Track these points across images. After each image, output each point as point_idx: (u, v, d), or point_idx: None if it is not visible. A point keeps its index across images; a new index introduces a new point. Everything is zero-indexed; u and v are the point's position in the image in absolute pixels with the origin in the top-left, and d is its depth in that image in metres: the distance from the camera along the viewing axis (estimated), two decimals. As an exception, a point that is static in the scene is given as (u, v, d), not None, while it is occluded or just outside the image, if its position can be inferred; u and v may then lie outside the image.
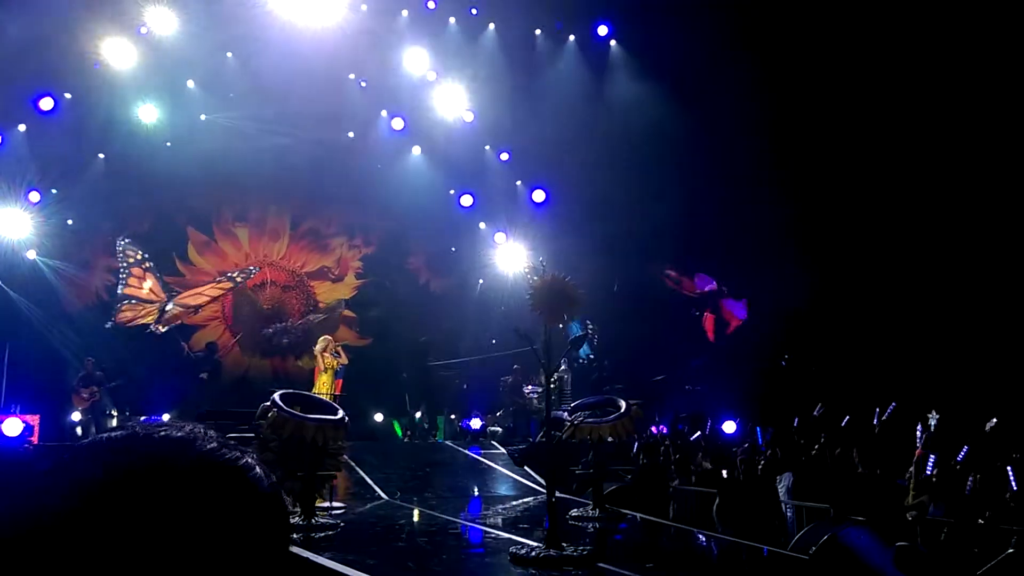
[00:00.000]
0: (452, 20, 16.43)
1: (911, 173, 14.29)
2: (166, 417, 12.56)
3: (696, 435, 11.86)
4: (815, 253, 14.76)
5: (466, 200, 17.42)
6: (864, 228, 14.79)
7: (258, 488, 0.81)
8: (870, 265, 14.61)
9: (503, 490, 10.44)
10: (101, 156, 15.51)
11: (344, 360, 12.87)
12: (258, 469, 0.82)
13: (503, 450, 11.76)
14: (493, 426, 14.48)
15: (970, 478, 7.76)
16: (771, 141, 14.80)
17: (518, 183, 17.63)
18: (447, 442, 13.29)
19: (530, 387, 13.38)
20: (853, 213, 14.81)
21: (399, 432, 14.99)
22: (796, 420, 11.39)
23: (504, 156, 17.38)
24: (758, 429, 11.28)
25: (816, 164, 14.86)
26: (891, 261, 14.40)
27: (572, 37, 17.20)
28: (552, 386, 8.01)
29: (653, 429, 14.54)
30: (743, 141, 14.95)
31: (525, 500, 9.49)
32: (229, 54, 15.37)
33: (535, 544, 5.78)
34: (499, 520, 8.71)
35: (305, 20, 14.67)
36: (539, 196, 17.41)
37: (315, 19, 14.69)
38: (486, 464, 11.34)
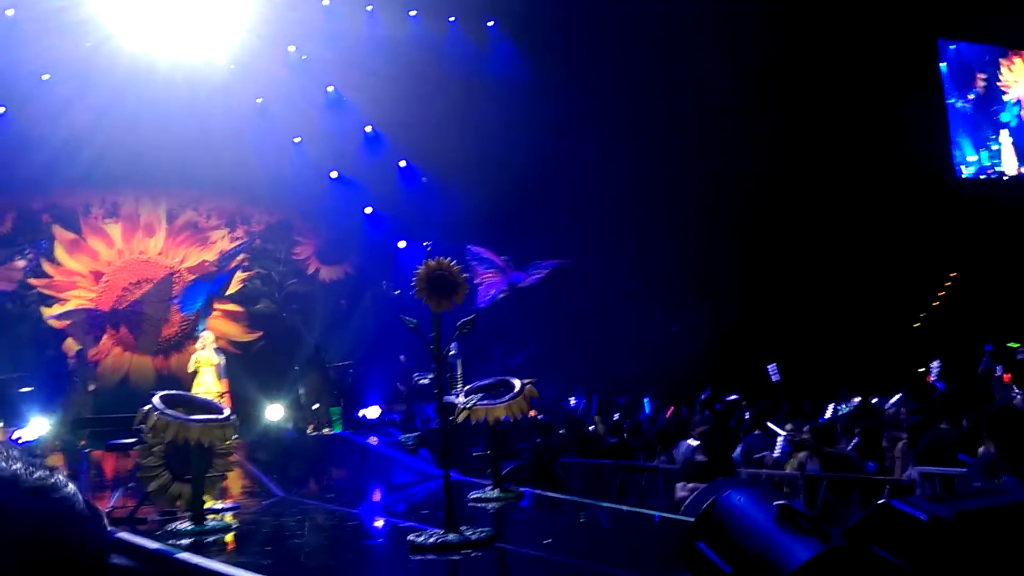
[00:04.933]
0: (325, 2, 16.02)
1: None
2: (39, 421, 11.83)
3: (576, 405, 12.05)
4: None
5: (349, 185, 17.08)
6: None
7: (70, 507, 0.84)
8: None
9: (403, 478, 10.36)
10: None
11: (222, 360, 12.45)
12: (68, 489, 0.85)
13: (401, 438, 11.69)
14: (392, 414, 14.34)
15: (857, 432, 8.17)
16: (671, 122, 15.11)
17: (401, 163, 17.41)
18: (345, 433, 13.08)
19: (418, 373, 13.21)
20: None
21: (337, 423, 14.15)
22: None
23: (386, 137, 17.12)
24: (646, 399, 11.60)
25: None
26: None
27: (452, 18, 17.08)
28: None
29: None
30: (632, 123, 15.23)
31: (426, 486, 9.43)
32: (88, 44, 14.47)
33: (435, 530, 5.73)
34: (400, 508, 8.65)
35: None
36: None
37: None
38: (385, 453, 11.21)
